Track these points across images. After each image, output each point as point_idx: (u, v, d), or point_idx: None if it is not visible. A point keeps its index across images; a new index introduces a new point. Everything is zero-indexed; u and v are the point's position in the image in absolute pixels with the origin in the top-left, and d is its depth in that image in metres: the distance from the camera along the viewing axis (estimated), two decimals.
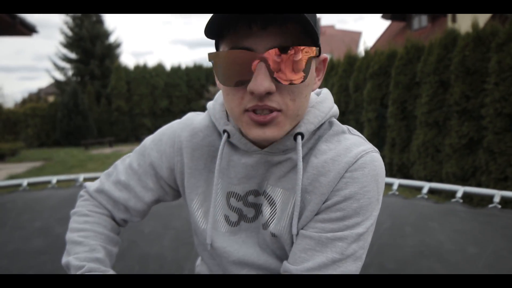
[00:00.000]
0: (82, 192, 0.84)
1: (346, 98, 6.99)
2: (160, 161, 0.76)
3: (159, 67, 14.57)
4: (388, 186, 1.65)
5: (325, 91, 0.73)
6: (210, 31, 0.56)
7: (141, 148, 0.80)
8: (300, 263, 0.62)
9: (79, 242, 0.72)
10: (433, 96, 4.98)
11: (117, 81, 14.09)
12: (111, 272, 0.69)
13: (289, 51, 0.54)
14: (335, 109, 0.71)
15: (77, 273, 0.66)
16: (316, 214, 0.64)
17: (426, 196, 1.58)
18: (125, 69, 14.36)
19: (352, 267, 0.61)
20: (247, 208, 0.71)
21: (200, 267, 0.85)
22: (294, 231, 0.64)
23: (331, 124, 0.70)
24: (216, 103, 0.73)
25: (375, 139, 6.28)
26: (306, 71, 0.56)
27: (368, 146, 0.65)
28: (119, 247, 0.80)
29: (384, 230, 1.42)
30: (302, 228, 0.66)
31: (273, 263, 0.71)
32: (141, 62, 26.57)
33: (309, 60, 0.56)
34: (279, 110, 0.57)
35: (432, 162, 5.10)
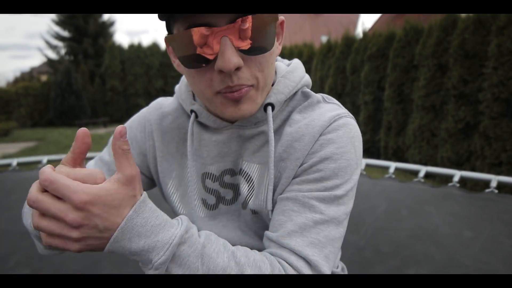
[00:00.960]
0: None
1: (343, 80, 6.93)
2: (131, 147, 0.73)
3: (154, 47, 14.32)
4: (385, 169, 1.63)
5: (296, 61, 0.70)
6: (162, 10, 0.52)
7: (111, 139, 0.75)
8: (279, 227, 0.57)
9: None
10: (430, 79, 4.94)
11: (111, 60, 13.85)
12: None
13: (254, 19, 0.51)
14: (306, 79, 0.67)
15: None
16: (293, 178, 0.60)
17: (422, 180, 1.57)
18: (119, 48, 14.10)
19: (335, 232, 0.56)
20: (225, 190, 0.68)
21: None
22: (269, 206, 0.60)
23: (305, 94, 0.66)
24: (182, 84, 0.71)
25: (372, 122, 6.26)
26: (270, 39, 0.54)
27: (343, 111, 0.62)
28: None
29: (379, 213, 1.41)
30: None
31: (255, 245, 0.66)
32: (135, 41, 26.12)
33: (272, 25, 0.54)
34: (251, 85, 0.56)
35: (428, 146, 5.10)
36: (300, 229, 0.55)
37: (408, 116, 5.59)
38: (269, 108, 0.62)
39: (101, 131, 11.81)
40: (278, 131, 0.64)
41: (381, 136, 5.99)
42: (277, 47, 0.61)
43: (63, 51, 16.33)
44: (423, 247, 1.21)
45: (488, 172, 4.16)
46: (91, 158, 2.00)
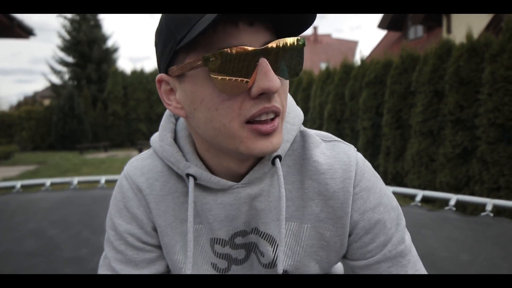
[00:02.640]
0: None
1: (342, 106, 7.03)
2: (142, 229, 0.64)
3: (156, 73, 14.54)
4: None
5: (291, 102, 0.65)
6: (181, 30, 0.48)
7: (111, 238, 0.66)
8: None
9: None
10: (427, 105, 5.02)
11: (114, 85, 14.07)
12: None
13: (289, 43, 0.49)
14: (301, 116, 0.64)
15: None
16: (350, 237, 0.62)
17: (419, 204, 1.60)
18: (122, 74, 14.36)
19: (414, 250, 0.63)
20: (236, 251, 0.63)
21: None
22: (280, 268, 0.57)
23: (302, 135, 0.64)
24: (164, 143, 0.61)
25: (370, 147, 6.31)
26: (300, 64, 0.52)
27: (351, 148, 0.63)
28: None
29: None
30: (347, 257, 0.64)
31: None
32: (138, 67, 26.58)
33: (302, 48, 0.52)
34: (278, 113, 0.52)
35: (426, 171, 5.13)
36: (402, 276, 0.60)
37: (406, 141, 5.64)
38: (277, 161, 0.58)
39: (102, 155, 11.84)
40: (286, 177, 0.61)
41: (380, 161, 6.03)
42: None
43: (66, 76, 16.61)
44: None
45: (487, 196, 4.16)
46: (90, 182, 2.01)
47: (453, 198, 1.56)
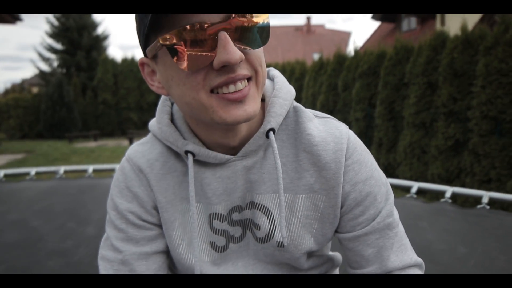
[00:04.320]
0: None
1: (335, 97, 7.00)
2: (143, 208, 0.65)
3: None
4: None
5: (277, 74, 0.68)
6: (144, 19, 0.50)
7: (112, 217, 0.67)
8: (376, 259, 0.62)
9: None
10: (421, 97, 5.01)
11: (104, 73, 13.83)
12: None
13: (245, 16, 0.50)
14: (293, 92, 0.67)
15: None
16: (342, 209, 0.64)
17: (415, 196, 1.57)
18: (112, 62, 14.10)
19: (401, 226, 0.65)
20: (233, 228, 0.65)
21: None
22: (284, 233, 0.60)
23: (296, 110, 0.66)
24: (162, 125, 0.64)
25: (363, 138, 6.30)
26: (266, 34, 0.53)
27: (342, 124, 0.66)
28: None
29: None
30: (338, 231, 0.66)
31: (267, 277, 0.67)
32: (129, 55, 26.23)
33: (266, 20, 0.53)
34: (249, 78, 0.53)
35: (418, 163, 5.14)
36: (392, 247, 0.62)
37: (399, 133, 5.65)
38: (271, 134, 0.60)
39: (92, 144, 11.68)
40: (280, 151, 0.63)
41: (372, 152, 6.03)
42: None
43: (55, 64, 16.28)
44: None
45: (478, 188, 4.20)
46: (77, 171, 1.95)
47: (449, 190, 1.54)
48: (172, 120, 0.65)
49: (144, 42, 0.54)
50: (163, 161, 0.65)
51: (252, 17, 0.51)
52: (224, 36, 0.48)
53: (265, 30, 0.53)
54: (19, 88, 20.52)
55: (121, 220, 0.65)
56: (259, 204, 0.63)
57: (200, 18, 0.49)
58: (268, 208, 0.63)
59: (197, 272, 0.63)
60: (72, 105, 13.37)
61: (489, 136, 4.18)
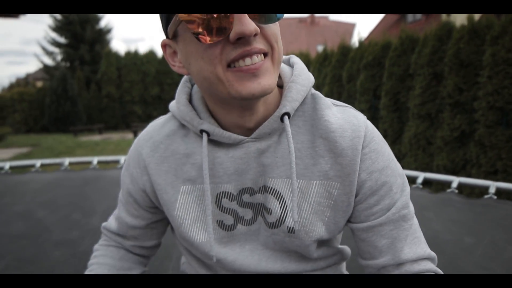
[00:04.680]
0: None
1: (339, 88, 6.96)
2: (132, 185, 0.71)
3: (151, 54, 14.34)
4: None
5: (296, 60, 0.68)
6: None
7: (121, 178, 0.76)
8: (389, 250, 0.62)
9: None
10: (426, 88, 4.96)
11: (108, 67, 13.83)
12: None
13: None
14: (312, 79, 0.67)
15: None
16: (356, 198, 0.63)
17: (421, 186, 1.56)
18: (116, 55, 14.09)
19: (416, 219, 0.65)
20: (243, 209, 0.66)
21: (186, 266, 0.81)
22: (296, 217, 0.60)
23: (314, 97, 0.66)
24: (180, 104, 0.66)
25: None
26: (279, 14, 0.55)
27: (361, 114, 0.66)
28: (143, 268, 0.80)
29: None
30: (351, 221, 0.66)
31: (277, 265, 0.67)
32: (132, 48, 26.16)
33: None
34: (265, 54, 0.54)
35: (423, 154, 5.11)
36: (406, 239, 0.62)
37: (404, 124, 5.60)
38: (286, 118, 0.60)
39: (96, 137, 11.73)
40: (296, 136, 0.63)
41: None
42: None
43: (59, 57, 16.29)
44: None
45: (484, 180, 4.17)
46: (82, 163, 1.95)
47: (455, 180, 1.52)
48: (191, 101, 0.67)
49: (166, 21, 0.56)
50: (167, 144, 0.67)
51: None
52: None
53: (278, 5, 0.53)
54: (24, 82, 20.59)
55: (122, 193, 0.75)
56: (271, 188, 0.63)
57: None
58: (280, 193, 0.63)
59: (207, 250, 0.65)
60: (76, 99, 13.41)
61: (496, 127, 4.13)
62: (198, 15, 0.50)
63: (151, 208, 0.73)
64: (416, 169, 5.13)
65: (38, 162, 1.79)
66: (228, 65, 0.53)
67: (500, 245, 1.15)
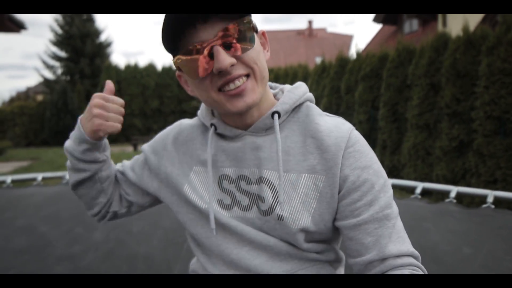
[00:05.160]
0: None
1: (338, 100, 7.01)
2: (151, 153, 0.88)
3: (150, 67, 14.45)
4: None
5: (300, 82, 0.81)
6: (167, 45, 0.69)
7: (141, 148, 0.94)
8: (374, 247, 0.67)
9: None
10: (424, 98, 5.01)
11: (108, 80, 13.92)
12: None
13: (232, 29, 0.64)
14: (309, 95, 0.79)
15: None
16: (340, 193, 0.70)
17: (419, 197, 1.57)
18: (116, 69, 14.21)
19: (399, 220, 0.70)
20: (240, 195, 0.76)
21: (195, 265, 0.85)
22: (282, 199, 0.70)
23: (309, 107, 0.77)
24: (203, 107, 0.84)
25: (367, 141, 6.27)
26: (252, 38, 0.67)
27: (348, 124, 0.75)
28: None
29: None
30: (337, 216, 0.72)
31: (271, 240, 0.73)
32: (132, 62, 26.33)
33: (250, 30, 0.67)
34: (247, 75, 0.68)
35: (423, 164, 5.12)
36: (390, 237, 0.67)
37: (403, 135, 5.63)
38: (276, 115, 0.73)
39: None
40: (290, 138, 0.74)
41: (377, 155, 6.00)
42: (265, 53, 0.75)
43: (59, 71, 16.42)
44: (422, 264, 1.20)
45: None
46: None
47: (454, 190, 1.53)
48: None
49: (172, 57, 0.72)
50: (190, 131, 0.85)
51: (237, 27, 0.65)
52: (216, 49, 0.64)
53: (250, 36, 0.67)
54: (24, 96, 20.69)
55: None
56: (266, 179, 0.73)
57: (199, 38, 0.65)
58: (273, 183, 0.72)
59: (212, 223, 0.74)
60: (76, 112, 13.45)
61: (494, 136, 4.16)
62: (187, 58, 0.66)
63: (143, 186, 0.89)
64: (415, 179, 5.14)
65: (39, 176, 1.80)
66: (219, 89, 0.68)
67: (499, 255, 1.15)
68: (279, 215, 0.70)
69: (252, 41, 0.67)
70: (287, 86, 0.81)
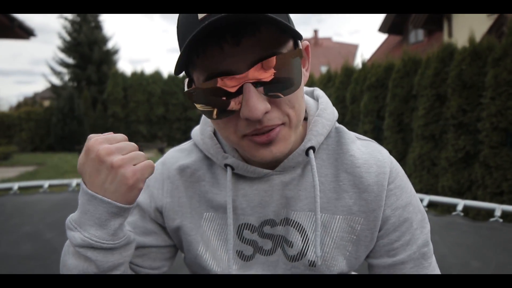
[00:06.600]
0: None
1: (343, 109, 7.01)
2: (149, 202, 0.69)
3: (156, 75, 14.56)
4: None
5: (321, 94, 0.70)
6: (178, 64, 0.50)
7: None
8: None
9: None
10: (429, 109, 4.99)
11: (114, 87, 14.04)
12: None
13: (273, 61, 0.48)
14: (336, 113, 0.69)
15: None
16: (379, 233, 0.63)
17: (426, 209, 1.56)
18: (122, 76, 14.32)
19: (433, 257, 0.65)
20: (263, 240, 0.65)
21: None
22: (318, 252, 0.59)
23: (338, 131, 0.67)
24: (204, 136, 0.66)
25: None
26: (298, 73, 0.51)
27: (383, 149, 0.66)
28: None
29: None
30: (371, 256, 0.65)
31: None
32: (138, 69, 26.62)
33: (296, 61, 0.50)
34: (282, 124, 0.53)
35: (428, 175, 5.09)
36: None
37: (408, 145, 5.61)
38: (311, 152, 0.60)
39: None
40: (319, 170, 0.63)
41: None
42: (304, 75, 0.57)
43: (67, 77, 16.58)
44: None
45: (490, 201, 4.13)
46: None
47: (461, 203, 1.52)
48: (215, 132, 0.68)
49: (189, 79, 0.57)
50: (194, 169, 0.68)
51: (278, 60, 0.48)
52: (248, 89, 0.48)
53: (295, 71, 0.50)
54: (31, 101, 20.89)
55: (134, 211, 0.71)
56: (293, 221, 0.63)
57: (225, 66, 0.48)
58: (302, 226, 0.62)
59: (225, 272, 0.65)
60: (82, 118, 13.56)
61: (500, 148, 4.13)
62: (206, 96, 0.50)
63: (156, 225, 0.71)
64: (421, 190, 5.10)
65: (46, 183, 1.81)
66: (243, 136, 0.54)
67: (507, 269, 1.14)
68: (311, 261, 0.62)
69: (298, 76, 0.51)
70: (310, 102, 0.67)
